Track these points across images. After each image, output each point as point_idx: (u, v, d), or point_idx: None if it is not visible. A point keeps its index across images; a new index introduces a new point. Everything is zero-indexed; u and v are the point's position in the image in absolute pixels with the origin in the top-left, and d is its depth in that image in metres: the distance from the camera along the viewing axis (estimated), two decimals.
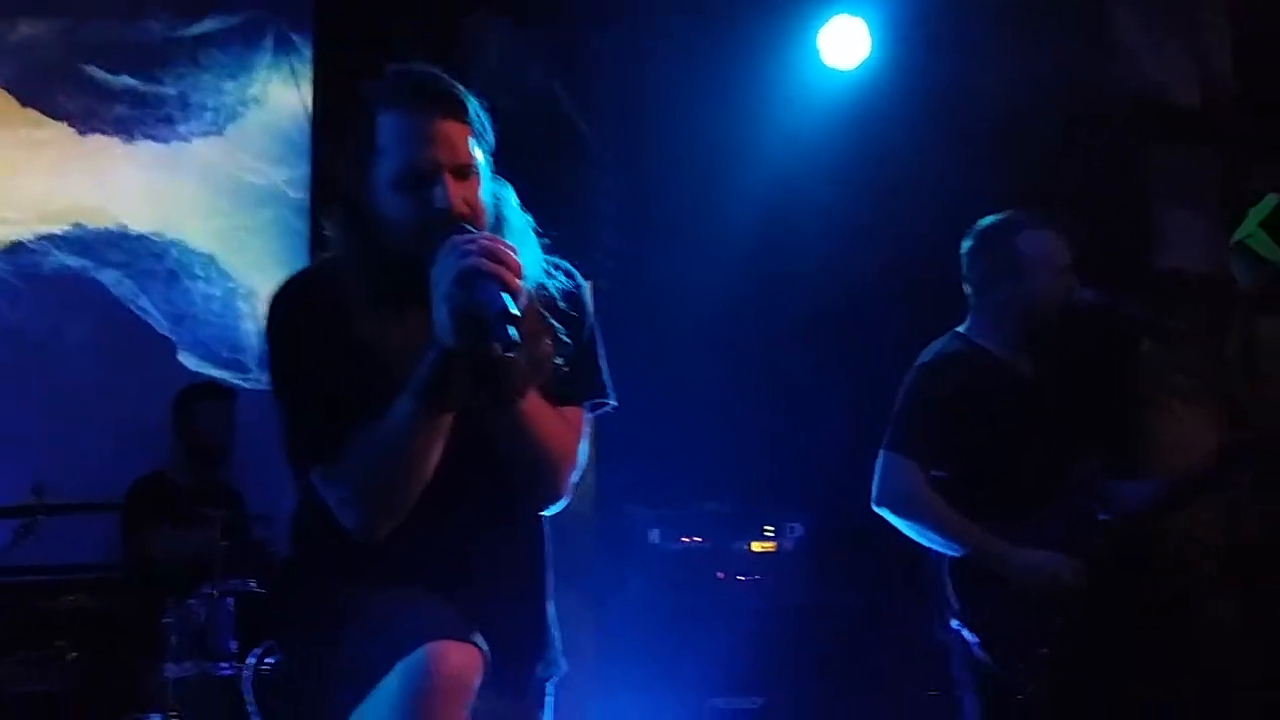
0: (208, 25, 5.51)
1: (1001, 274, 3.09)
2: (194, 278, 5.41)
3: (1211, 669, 3.81)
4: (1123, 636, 2.92)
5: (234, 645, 3.97)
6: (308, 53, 5.64)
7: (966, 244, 3.19)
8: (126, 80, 5.35)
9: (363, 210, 1.94)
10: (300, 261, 5.41)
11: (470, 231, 1.85)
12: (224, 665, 3.92)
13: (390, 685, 1.75)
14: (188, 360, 5.35)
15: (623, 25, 5.41)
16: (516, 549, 2.08)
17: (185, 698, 3.86)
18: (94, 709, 4.08)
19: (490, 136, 1.99)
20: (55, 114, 5.26)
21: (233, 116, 5.52)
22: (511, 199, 2.03)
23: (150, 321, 5.32)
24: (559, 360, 1.97)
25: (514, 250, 1.83)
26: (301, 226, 5.46)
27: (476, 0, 5.41)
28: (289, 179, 5.56)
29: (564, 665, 2.15)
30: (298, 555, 2.13)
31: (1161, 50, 4.44)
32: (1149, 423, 4.27)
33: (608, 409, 2.12)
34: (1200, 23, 4.46)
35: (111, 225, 5.30)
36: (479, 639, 1.82)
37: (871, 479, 3.06)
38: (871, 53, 4.92)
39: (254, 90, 5.57)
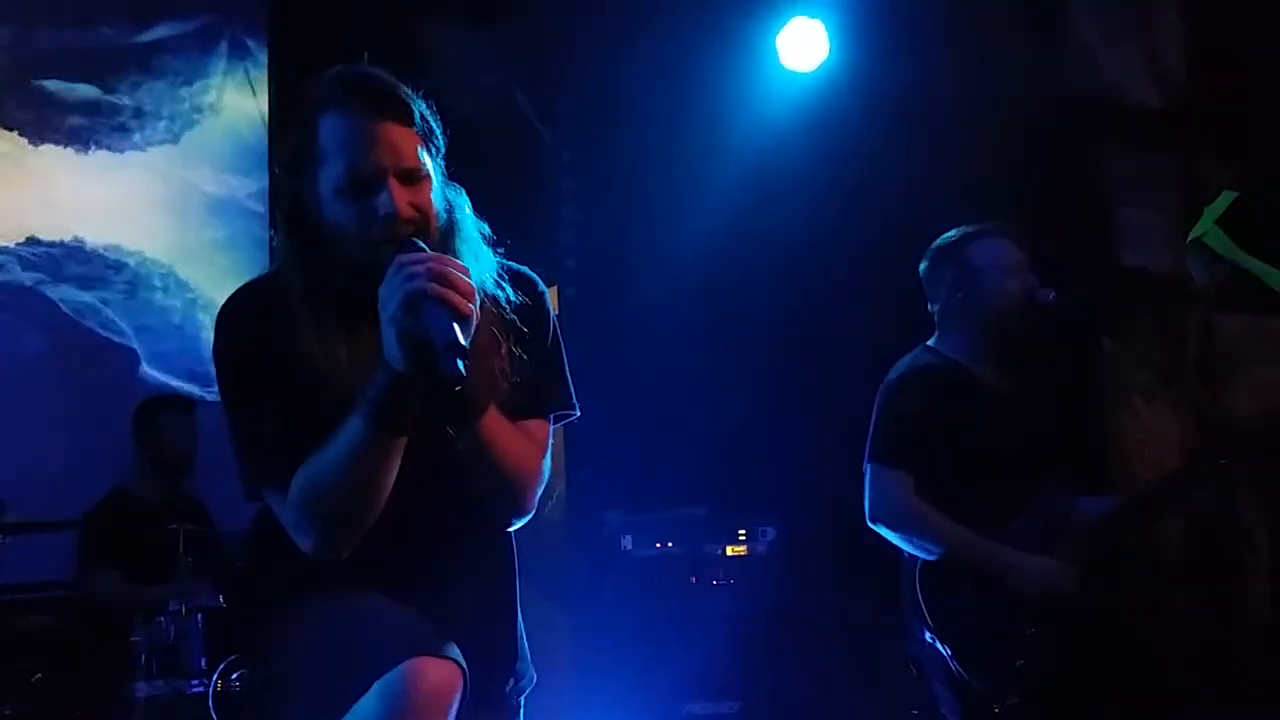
0: (161, 31, 5.44)
1: (958, 287, 3.13)
2: (153, 289, 5.34)
3: (1177, 673, 3.87)
4: (1097, 644, 2.94)
5: (204, 662, 3.93)
6: (263, 58, 5.58)
7: (923, 265, 3.23)
8: (79, 89, 5.27)
9: (307, 218, 1.88)
10: (259, 270, 5.34)
11: (419, 246, 1.79)
12: (195, 682, 3.88)
13: (368, 705, 1.71)
14: (148, 373, 5.28)
15: (581, 28, 5.40)
16: (484, 563, 2.06)
17: (156, 716, 3.81)
18: None
19: (440, 140, 1.93)
20: (6, 124, 5.16)
21: (188, 125, 5.45)
22: (465, 205, 1.97)
23: (109, 335, 5.25)
24: (515, 376, 1.93)
25: (465, 271, 1.76)
26: (261, 235, 5.40)
27: (434, 3, 5.38)
28: (247, 187, 5.51)
29: (534, 676, 2.14)
30: (257, 568, 2.10)
31: (1118, 51, 4.51)
32: (1111, 420, 4.33)
33: (572, 419, 2.09)
34: (1155, 24, 4.53)
35: (67, 238, 5.21)
36: (456, 653, 1.79)
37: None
38: (830, 55, 4.94)
39: (209, 98, 5.51)
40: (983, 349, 3.13)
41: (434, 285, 1.71)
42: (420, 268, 1.72)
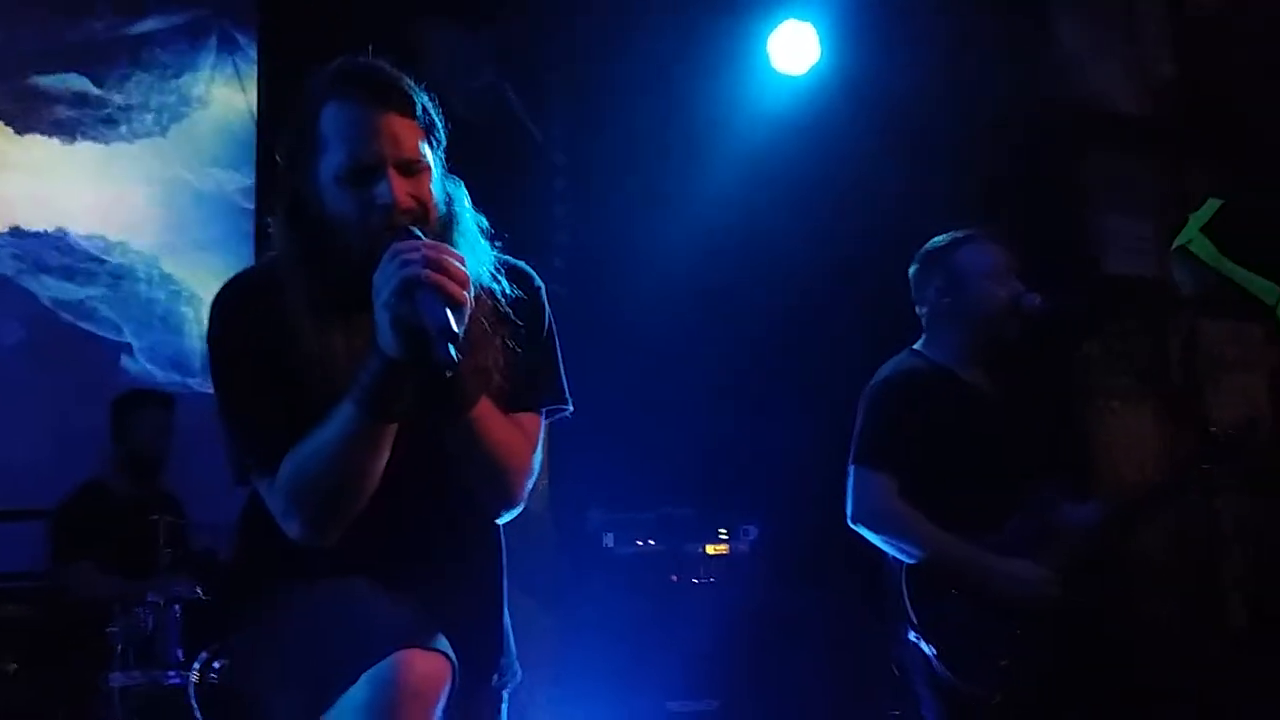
0: (150, 24, 5.42)
1: (946, 291, 3.13)
2: (136, 281, 5.31)
3: (1155, 674, 3.88)
4: (1078, 645, 2.94)
5: (181, 654, 3.91)
6: (252, 52, 5.57)
7: (912, 268, 3.24)
8: (67, 80, 5.25)
9: (306, 207, 1.87)
10: (245, 263, 5.33)
11: (415, 235, 1.79)
12: (172, 674, 3.85)
13: (357, 696, 1.70)
14: (130, 365, 5.25)
15: (573, 28, 5.41)
16: (472, 555, 2.04)
17: (133, 708, 3.78)
18: None
19: (441, 133, 1.93)
20: None
21: (176, 117, 5.44)
22: (464, 198, 1.97)
23: (91, 326, 5.22)
24: (509, 368, 1.92)
25: (460, 260, 1.76)
26: (247, 228, 5.38)
27: (427, 3, 5.38)
28: (234, 180, 5.49)
29: (519, 672, 2.12)
30: (244, 555, 2.08)
31: (1103, 59, 4.54)
32: (1093, 424, 4.35)
33: (565, 413, 2.08)
34: (1140, 33, 4.57)
35: (51, 229, 5.19)
36: (445, 645, 1.78)
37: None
38: (821, 58, 4.96)
39: (198, 91, 5.49)
40: (969, 353, 3.13)
41: (429, 272, 1.70)
42: (415, 254, 1.72)
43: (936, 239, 3.22)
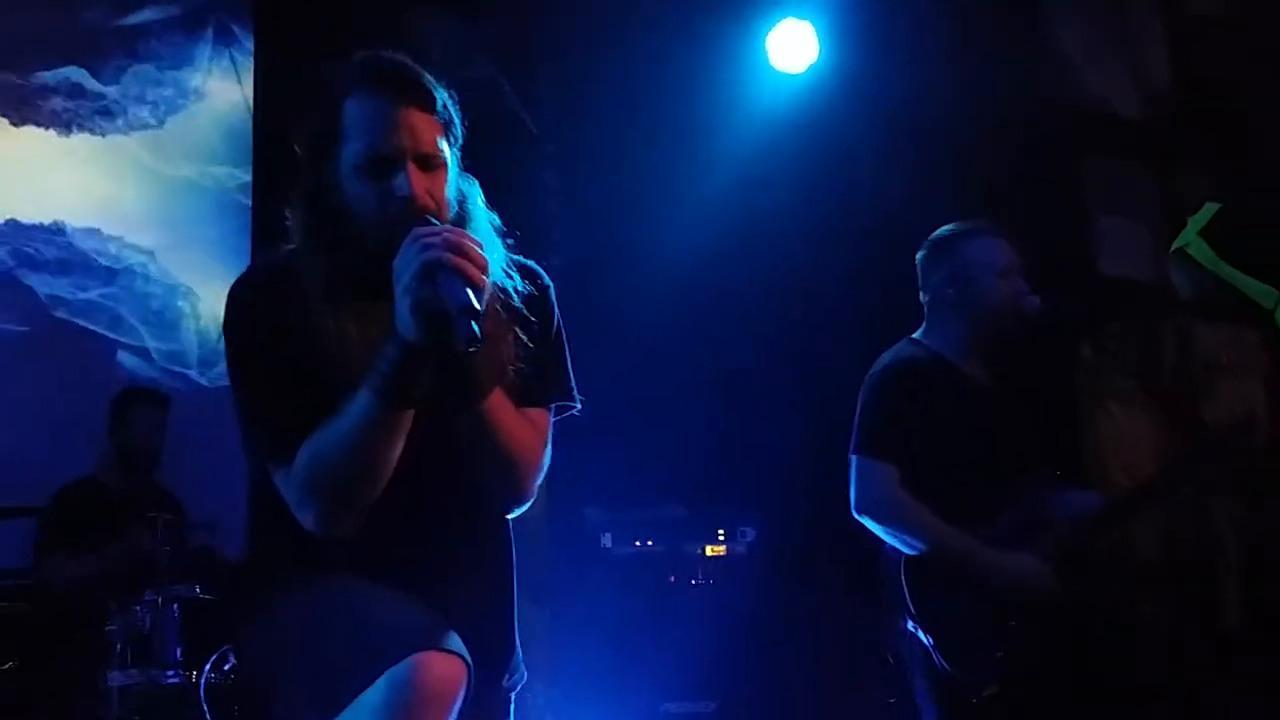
0: (146, 15, 5.39)
1: (952, 281, 3.14)
2: (132, 275, 5.29)
3: (1144, 671, 3.91)
4: (1071, 639, 2.97)
5: (179, 652, 3.91)
6: (249, 44, 5.54)
7: (920, 254, 3.24)
8: (62, 71, 5.21)
9: (323, 198, 1.90)
10: (242, 258, 5.34)
11: (433, 223, 1.82)
12: (170, 673, 3.85)
13: (374, 696, 1.71)
14: (125, 360, 5.23)
15: (569, 21, 5.39)
16: (484, 548, 2.05)
17: (131, 707, 3.78)
18: None
19: (459, 130, 1.95)
20: None
21: (173, 110, 5.41)
22: (477, 196, 1.99)
23: (87, 320, 5.20)
24: (520, 362, 1.94)
25: (479, 245, 1.79)
26: (243, 222, 5.36)
27: None
28: (230, 173, 5.47)
29: (525, 673, 2.13)
30: (256, 554, 2.08)
31: (1100, 62, 4.54)
32: (1088, 425, 4.37)
33: (572, 411, 2.10)
34: (1138, 35, 4.57)
35: (46, 221, 5.16)
36: (461, 647, 1.79)
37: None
38: (820, 56, 4.96)
39: (194, 83, 5.47)
40: (968, 345, 3.14)
41: (449, 255, 1.73)
42: (436, 239, 1.75)
43: (947, 227, 3.22)
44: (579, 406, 2.10)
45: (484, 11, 5.50)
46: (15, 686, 4.01)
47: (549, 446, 2.03)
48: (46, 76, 5.20)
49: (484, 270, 1.77)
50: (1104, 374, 4.49)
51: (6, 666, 4.02)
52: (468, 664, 1.78)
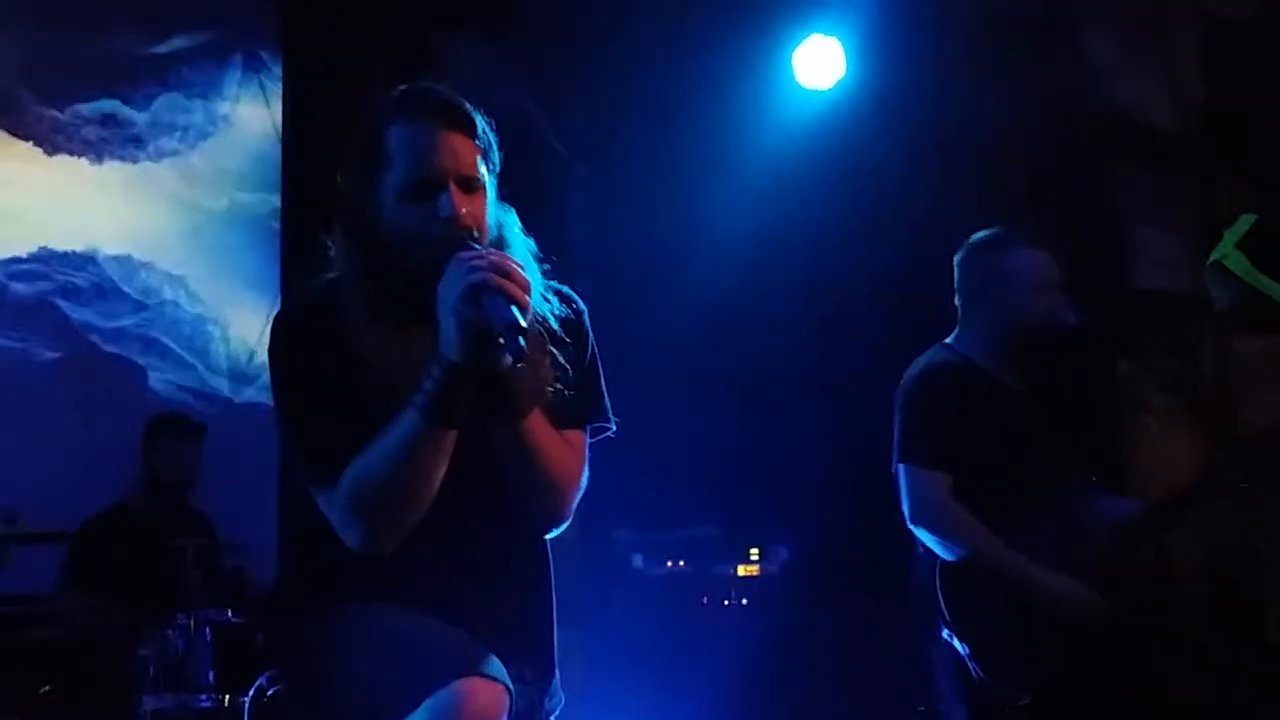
0: (176, 44, 5.45)
1: (989, 287, 3.10)
2: (163, 302, 5.33)
3: (1181, 688, 3.85)
4: (1109, 650, 2.92)
5: (212, 676, 3.90)
6: (278, 71, 5.59)
7: (958, 255, 3.20)
8: (94, 100, 5.27)
9: (366, 224, 1.94)
10: (272, 283, 5.37)
11: (477, 247, 1.86)
12: (203, 697, 3.84)
13: None
14: (158, 385, 5.26)
15: (597, 43, 5.40)
16: (520, 573, 2.07)
17: None
18: None
19: (497, 157, 1.99)
20: (21, 134, 5.16)
21: (203, 136, 5.46)
22: (514, 224, 2.03)
23: (118, 348, 5.23)
24: (558, 385, 1.97)
25: (523, 267, 1.84)
26: (273, 247, 5.39)
27: (450, 18, 5.39)
28: (261, 199, 5.50)
29: (563, 698, 2.14)
30: (294, 579, 2.12)
31: (1135, 73, 4.50)
32: (1126, 441, 4.31)
33: (608, 433, 2.12)
34: (1172, 47, 4.53)
35: (79, 248, 5.21)
36: (503, 673, 1.81)
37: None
38: (847, 73, 4.94)
39: (224, 109, 5.51)
40: (999, 349, 3.10)
41: (494, 276, 1.77)
42: (482, 261, 1.80)
43: (987, 231, 3.18)
44: (614, 429, 2.12)
45: (512, 34, 5.52)
46: (52, 712, 4.02)
47: (586, 467, 2.05)
48: (78, 105, 5.25)
49: (527, 291, 1.81)
50: (1142, 389, 4.43)
51: (43, 691, 4.02)
52: (509, 690, 1.80)
